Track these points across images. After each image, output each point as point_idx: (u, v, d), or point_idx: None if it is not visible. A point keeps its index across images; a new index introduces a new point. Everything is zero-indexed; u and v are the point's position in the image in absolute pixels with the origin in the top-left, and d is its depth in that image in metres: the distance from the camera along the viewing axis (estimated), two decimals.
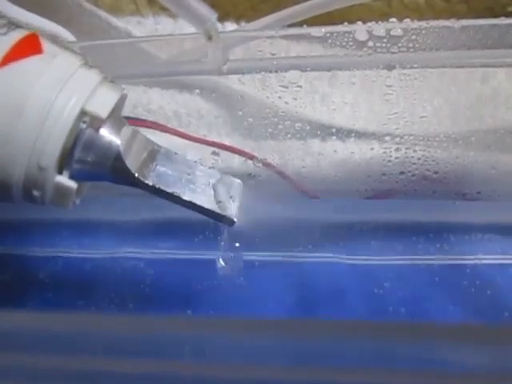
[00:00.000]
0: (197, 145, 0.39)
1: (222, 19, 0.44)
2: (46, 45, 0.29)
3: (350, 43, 0.37)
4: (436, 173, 0.39)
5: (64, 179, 0.28)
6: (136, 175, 0.29)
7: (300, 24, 0.38)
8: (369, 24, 0.36)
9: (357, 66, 0.37)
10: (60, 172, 0.28)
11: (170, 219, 0.40)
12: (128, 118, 0.31)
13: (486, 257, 0.38)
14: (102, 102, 0.29)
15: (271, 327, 0.29)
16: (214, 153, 0.39)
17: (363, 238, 0.39)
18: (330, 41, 0.37)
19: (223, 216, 0.31)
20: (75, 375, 0.29)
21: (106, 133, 0.29)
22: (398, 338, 0.28)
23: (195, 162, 0.32)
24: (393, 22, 0.36)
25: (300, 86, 0.38)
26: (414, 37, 0.36)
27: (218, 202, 0.31)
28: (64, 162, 0.28)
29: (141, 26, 0.45)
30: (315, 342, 0.28)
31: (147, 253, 0.39)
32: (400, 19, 0.36)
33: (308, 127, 0.39)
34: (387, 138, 0.39)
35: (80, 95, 0.28)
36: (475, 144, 0.38)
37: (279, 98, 0.39)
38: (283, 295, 0.37)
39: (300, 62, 0.38)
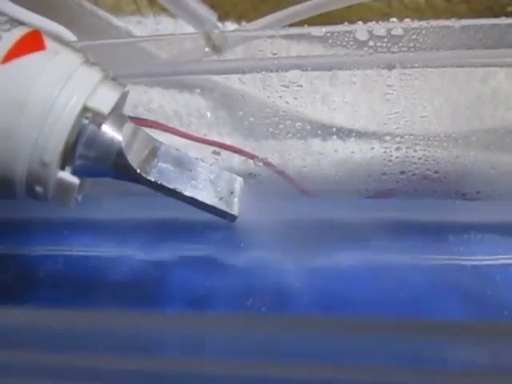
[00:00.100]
0: (197, 144, 0.39)
1: (222, 19, 0.45)
2: (48, 41, 0.29)
3: (351, 43, 0.37)
4: (436, 172, 0.39)
5: (66, 175, 0.28)
6: (138, 171, 0.29)
7: (301, 24, 0.38)
8: (369, 24, 0.36)
9: (357, 66, 0.37)
10: (62, 168, 0.28)
11: (170, 218, 0.40)
12: (129, 118, 0.31)
13: (486, 256, 0.38)
14: (104, 98, 0.29)
15: (270, 324, 0.29)
16: (214, 152, 0.39)
17: (364, 238, 0.39)
18: (330, 40, 0.37)
19: (225, 212, 0.31)
20: (75, 373, 0.29)
21: (107, 129, 0.29)
22: (398, 335, 0.28)
23: (196, 158, 0.32)
24: (393, 21, 0.37)
25: (301, 86, 0.38)
26: (414, 36, 0.36)
27: (220, 198, 0.31)
28: (66, 158, 0.28)
29: (141, 26, 0.45)
30: (315, 340, 0.28)
31: (147, 252, 0.39)
32: (400, 19, 0.37)
33: (308, 127, 0.39)
34: (388, 138, 0.39)
35: (82, 91, 0.28)
36: (475, 144, 0.38)
37: (280, 97, 0.39)
38: (282, 294, 0.37)
39: (301, 62, 0.38)
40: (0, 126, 0.27)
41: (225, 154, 0.39)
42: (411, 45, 0.36)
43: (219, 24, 0.42)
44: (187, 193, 0.31)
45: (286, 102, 0.39)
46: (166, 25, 0.45)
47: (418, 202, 0.40)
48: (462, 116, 0.39)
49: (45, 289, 0.37)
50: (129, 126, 0.30)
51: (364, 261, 0.38)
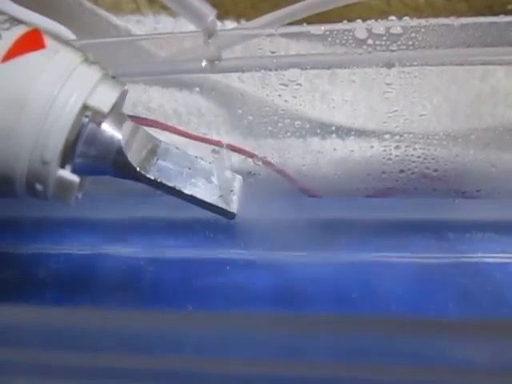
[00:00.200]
0: (197, 143, 0.39)
1: (222, 17, 0.45)
2: (48, 40, 0.29)
3: (350, 41, 0.37)
4: (436, 171, 0.39)
5: (66, 173, 0.28)
6: (137, 169, 0.30)
7: (300, 22, 0.38)
8: (368, 22, 0.36)
9: (356, 64, 0.37)
10: (62, 166, 0.28)
11: (170, 217, 0.40)
12: (128, 117, 0.31)
13: (486, 255, 0.38)
14: (104, 96, 0.29)
15: (270, 323, 0.29)
16: (213, 151, 0.39)
17: (363, 237, 0.39)
18: (329, 39, 0.37)
19: (224, 210, 0.31)
20: (75, 371, 0.29)
21: (107, 127, 0.29)
22: (399, 334, 0.28)
23: (196, 157, 0.32)
24: (392, 19, 0.37)
25: (300, 84, 0.38)
26: (413, 35, 0.36)
27: (219, 197, 0.31)
28: (66, 157, 0.28)
29: (141, 25, 0.45)
30: (315, 338, 0.28)
31: (148, 251, 0.39)
32: (399, 18, 0.37)
33: (308, 125, 0.39)
34: (387, 136, 0.39)
35: (82, 90, 0.28)
36: (475, 142, 0.39)
37: (279, 96, 0.39)
38: (282, 293, 0.37)
39: (300, 60, 0.38)
40: (0, 124, 0.27)
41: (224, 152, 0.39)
42: (410, 43, 0.36)
43: (219, 23, 0.42)
44: (187, 191, 0.31)
45: (285, 101, 0.39)
46: (165, 24, 0.45)
47: (417, 200, 0.40)
48: (462, 114, 0.39)
49: (44, 288, 0.37)
50: (128, 125, 0.30)
51: (364, 259, 0.38)
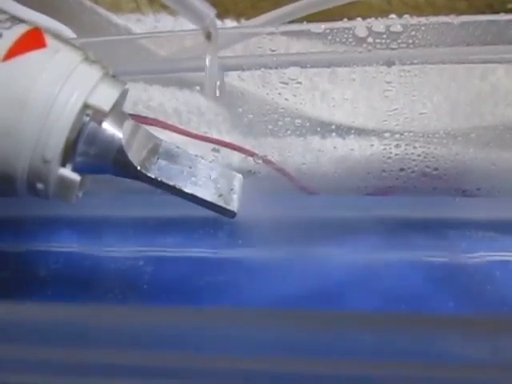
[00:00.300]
0: (197, 142, 0.39)
1: (222, 17, 0.45)
2: (48, 39, 0.29)
3: (350, 39, 0.37)
4: (436, 169, 0.39)
5: (67, 172, 0.28)
6: (138, 168, 0.29)
7: (300, 20, 0.38)
8: (368, 20, 0.36)
9: (356, 63, 0.37)
10: (63, 165, 0.28)
11: (170, 216, 0.40)
12: (129, 116, 0.31)
13: (486, 253, 0.38)
14: (105, 95, 0.29)
15: (270, 321, 0.29)
16: (214, 150, 0.39)
17: (363, 235, 0.39)
18: (329, 37, 0.37)
19: (224, 208, 0.31)
20: (75, 368, 0.29)
21: (108, 126, 0.29)
22: (398, 331, 0.28)
23: (196, 155, 0.32)
24: (392, 18, 0.37)
25: (300, 83, 0.38)
26: (413, 33, 0.36)
27: (219, 195, 0.31)
28: (67, 155, 0.28)
29: (141, 24, 0.45)
30: (315, 335, 0.28)
31: (148, 250, 0.39)
32: (400, 16, 0.37)
33: (308, 124, 0.39)
34: (387, 135, 0.39)
35: (83, 89, 0.28)
36: (475, 140, 0.38)
37: (279, 94, 0.39)
38: (282, 291, 0.37)
39: (300, 59, 0.38)
40: (1, 123, 0.27)
41: (224, 151, 0.39)
42: (410, 41, 0.36)
43: (219, 22, 0.42)
44: (187, 190, 0.31)
45: (286, 99, 0.39)
46: (165, 23, 0.45)
47: (417, 199, 0.40)
48: (462, 113, 0.39)
49: (45, 286, 0.37)
50: (129, 124, 0.30)
51: (364, 258, 0.38)
